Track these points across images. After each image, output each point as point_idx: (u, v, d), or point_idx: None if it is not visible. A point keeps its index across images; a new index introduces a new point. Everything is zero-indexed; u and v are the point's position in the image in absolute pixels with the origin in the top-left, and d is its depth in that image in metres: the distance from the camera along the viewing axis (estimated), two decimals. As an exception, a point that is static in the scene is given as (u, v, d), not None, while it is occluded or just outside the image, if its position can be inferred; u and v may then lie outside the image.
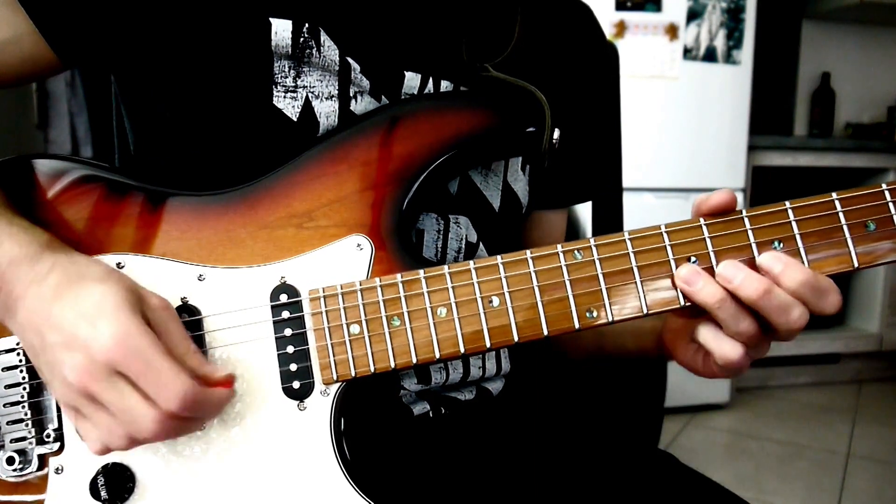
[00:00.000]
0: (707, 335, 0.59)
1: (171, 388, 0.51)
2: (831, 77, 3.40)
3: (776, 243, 0.58)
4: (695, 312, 0.63)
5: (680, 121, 2.62)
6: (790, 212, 0.58)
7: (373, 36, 0.68)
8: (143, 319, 0.53)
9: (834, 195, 0.58)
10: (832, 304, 0.56)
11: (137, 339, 0.51)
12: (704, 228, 0.58)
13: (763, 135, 2.90)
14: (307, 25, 0.65)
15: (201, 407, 0.53)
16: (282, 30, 0.64)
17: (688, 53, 2.57)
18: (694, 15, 2.56)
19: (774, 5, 3.06)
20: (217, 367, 0.56)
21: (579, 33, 0.82)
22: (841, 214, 0.58)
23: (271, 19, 0.64)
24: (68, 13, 0.64)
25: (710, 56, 2.60)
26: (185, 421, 0.54)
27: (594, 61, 0.84)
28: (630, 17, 2.50)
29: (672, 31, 2.54)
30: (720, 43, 2.60)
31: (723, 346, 0.58)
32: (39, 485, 0.60)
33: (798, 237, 0.58)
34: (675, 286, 0.58)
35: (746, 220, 0.58)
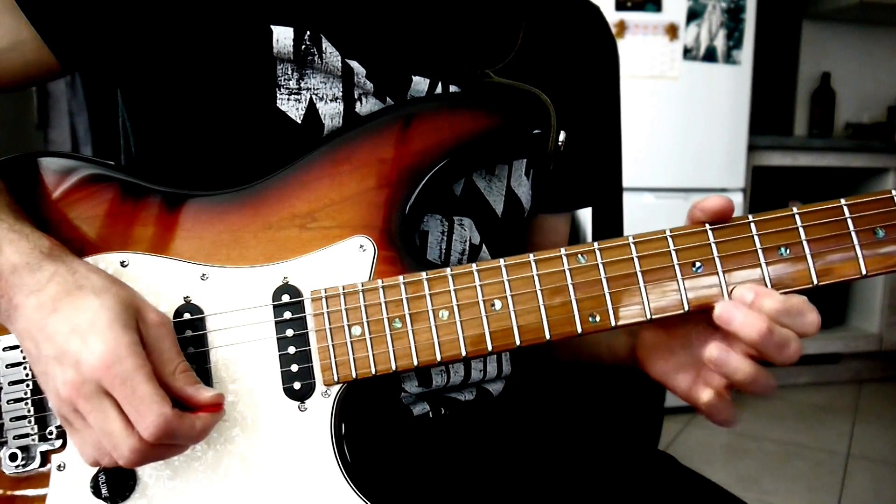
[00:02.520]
0: (709, 404, 0.59)
1: (149, 417, 0.51)
2: (831, 77, 3.40)
3: (783, 249, 0.57)
4: (675, 326, 0.63)
5: (680, 121, 2.62)
6: (797, 218, 0.57)
7: (374, 42, 0.68)
8: (138, 335, 0.54)
9: (842, 201, 0.57)
10: (811, 323, 0.55)
11: (125, 360, 0.51)
12: (710, 234, 0.58)
13: (763, 135, 2.90)
14: (308, 32, 0.65)
15: (180, 436, 0.53)
16: (283, 37, 0.64)
17: (688, 53, 2.57)
18: (694, 15, 2.55)
19: (774, 5, 3.06)
20: (205, 390, 0.55)
21: (586, 35, 0.82)
22: (849, 221, 0.56)
23: (272, 27, 0.64)
24: (70, 19, 0.64)
25: (710, 56, 2.60)
26: (165, 448, 0.54)
27: (601, 63, 0.84)
28: (630, 17, 2.50)
29: (672, 31, 2.54)
30: (720, 43, 2.60)
31: (725, 413, 0.60)
32: (42, 481, 0.60)
33: (805, 244, 0.57)
34: (679, 291, 0.57)
35: (752, 225, 0.57)
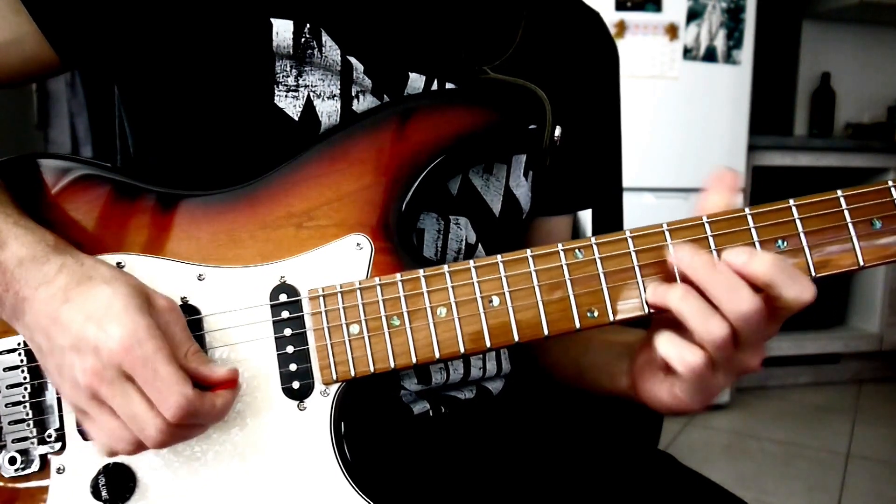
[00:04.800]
0: (666, 343, 0.54)
1: (171, 398, 0.51)
2: (831, 77, 3.40)
3: (780, 242, 0.57)
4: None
5: (680, 121, 2.62)
6: (794, 209, 0.57)
7: (375, 37, 0.68)
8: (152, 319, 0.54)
9: (839, 192, 0.57)
10: (808, 289, 0.52)
11: (145, 342, 0.52)
12: (707, 227, 0.58)
13: (763, 135, 2.90)
14: (308, 26, 0.65)
15: (201, 415, 0.54)
16: (283, 30, 0.64)
17: (688, 53, 2.57)
18: (694, 15, 2.56)
19: (774, 5, 3.06)
20: (219, 367, 0.56)
21: (586, 37, 0.82)
22: (846, 212, 0.56)
23: (272, 20, 0.64)
24: (70, 14, 0.64)
25: (710, 56, 2.60)
26: (188, 428, 0.55)
27: (600, 65, 0.84)
28: (630, 17, 2.50)
29: (672, 31, 2.54)
30: (720, 43, 2.60)
31: (684, 353, 0.53)
32: (41, 484, 0.60)
33: (802, 235, 0.56)
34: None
35: (750, 217, 0.57)
